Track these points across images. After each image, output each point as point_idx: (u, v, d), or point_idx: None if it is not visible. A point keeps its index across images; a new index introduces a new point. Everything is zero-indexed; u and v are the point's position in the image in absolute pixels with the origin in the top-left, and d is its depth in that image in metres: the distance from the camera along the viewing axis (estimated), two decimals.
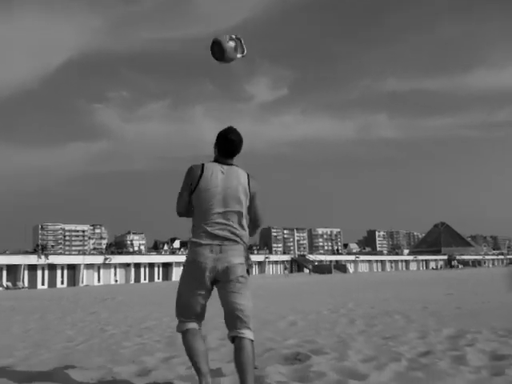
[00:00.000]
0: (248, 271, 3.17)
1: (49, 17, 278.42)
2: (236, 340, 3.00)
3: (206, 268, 3.04)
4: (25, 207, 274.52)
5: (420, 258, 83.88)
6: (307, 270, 58.14)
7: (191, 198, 3.15)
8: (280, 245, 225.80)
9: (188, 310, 3.14)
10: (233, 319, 3.04)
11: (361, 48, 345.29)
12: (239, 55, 3.47)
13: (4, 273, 39.90)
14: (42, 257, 41.88)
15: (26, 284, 39.52)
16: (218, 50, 3.43)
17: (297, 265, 63.68)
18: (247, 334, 3.00)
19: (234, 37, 3.46)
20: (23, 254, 45.33)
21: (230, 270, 3.05)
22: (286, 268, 49.42)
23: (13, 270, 40.12)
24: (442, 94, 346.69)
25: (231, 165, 3.21)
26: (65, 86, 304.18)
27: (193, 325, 3.14)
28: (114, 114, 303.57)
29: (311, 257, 70.96)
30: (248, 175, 3.21)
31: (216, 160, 3.22)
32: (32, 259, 41.31)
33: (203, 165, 3.17)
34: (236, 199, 3.10)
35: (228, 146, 3.21)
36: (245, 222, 3.16)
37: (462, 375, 3.59)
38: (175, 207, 3.24)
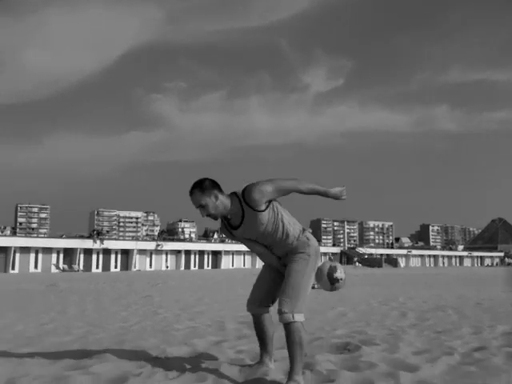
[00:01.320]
0: None
1: (111, 7, 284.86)
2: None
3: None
4: (83, 194, 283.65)
5: (475, 254, 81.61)
6: (357, 263, 57.64)
7: None
8: (330, 237, 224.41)
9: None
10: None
11: (423, 39, 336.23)
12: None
13: (61, 256, 41.41)
14: (98, 241, 43.18)
15: (82, 267, 40.89)
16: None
17: (346, 257, 63.23)
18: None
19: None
20: (79, 238, 46.88)
21: None
22: (331, 260, 49.24)
23: (69, 253, 41.58)
24: (506, 86, 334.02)
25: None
26: (125, 76, 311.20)
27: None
28: (172, 104, 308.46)
29: (361, 250, 70.21)
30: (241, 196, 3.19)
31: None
32: (88, 243, 42.67)
33: None
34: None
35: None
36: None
37: None
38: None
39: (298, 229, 3.31)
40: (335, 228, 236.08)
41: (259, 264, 49.86)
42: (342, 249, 72.34)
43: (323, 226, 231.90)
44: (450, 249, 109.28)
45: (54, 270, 39.73)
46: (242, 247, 55.00)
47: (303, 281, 3.20)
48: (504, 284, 11.59)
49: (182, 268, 46.47)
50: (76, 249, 41.61)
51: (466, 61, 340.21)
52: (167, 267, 46.36)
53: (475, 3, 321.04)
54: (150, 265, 45.91)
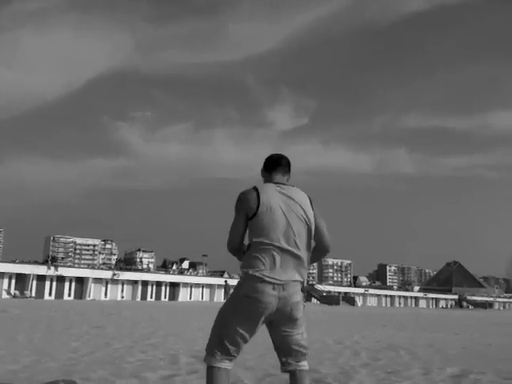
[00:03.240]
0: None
1: (82, 33, 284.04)
2: (296, 372, 2.89)
3: (267, 308, 2.74)
4: (39, 218, 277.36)
5: (430, 295, 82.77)
6: (315, 300, 57.67)
7: (249, 227, 2.85)
8: None
9: (231, 347, 2.79)
10: (293, 352, 2.91)
11: (385, 83, 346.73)
12: None
13: (13, 281, 40.11)
14: (52, 268, 42.09)
15: (34, 294, 39.67)
16: None
17: (306, 294, 63.30)
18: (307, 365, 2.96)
19: None
20: (33, 263, 45.53)
21: (294, 309, 2.81)
22: None
23: (21, 278, 40.30)
24: (461, 133, 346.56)
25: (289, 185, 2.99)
26: (91, 101, 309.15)
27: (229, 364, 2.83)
28: (137, 133, 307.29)
29: (320, 287, 70.43)
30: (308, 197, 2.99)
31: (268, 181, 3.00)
32: (41, 269, 41.50)
33: (257, 188, 2.89)
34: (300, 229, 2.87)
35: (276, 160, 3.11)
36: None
37: None
38: (226, 241, 2.89)
39: (246, 259, 2.84)
40: None
41: (217, 297, 49.38)
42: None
43: None
44: (406, 289, 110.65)
45: (5, 295, 38.42)
46: (201, 280, 54.42)
47: (216, 319, 2.92)
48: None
49: (139, 299, 45.57)
50: (29, 275, 40.38)
51: (425, 106, 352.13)
52: (123, 297, 45.40)
53: (438, 51, 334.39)
54: (106, 294, 44.87)
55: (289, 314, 2.80)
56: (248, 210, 2.79)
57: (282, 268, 2.76)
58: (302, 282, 2.86)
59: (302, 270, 2.83)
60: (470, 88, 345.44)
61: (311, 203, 2.94)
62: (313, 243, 2.94)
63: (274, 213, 2.78)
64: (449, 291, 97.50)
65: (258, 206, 2.77)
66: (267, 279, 2.72)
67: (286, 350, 2.88)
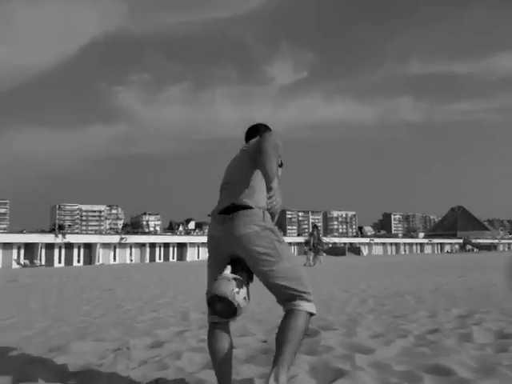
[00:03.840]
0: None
1: (73, 1, 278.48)
2: (286, 313, 2.64)
3: (218, 245, 2.72)
4: (43, 188, 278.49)
5: (435, 241, 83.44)
6: (322, 252, 58.38)
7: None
8: (295, 227, 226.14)
9: None
10: (282, 296, 2.66)
11: (385, 32, 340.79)
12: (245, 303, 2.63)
13: (22, 251, 40.57)
14: (59, 236, 42.48)
15: (43, 262, 40.18)
16: (226, 310, 2.63)
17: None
18: (304, 306, 2.62)
19: (233, 277, 2.63)
20: (40, 232, 45.94)
21: (247, 243, 2.60)
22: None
23: (30, 248, 40.73)
24: (466, 78, 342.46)
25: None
26: (86, 68, 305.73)
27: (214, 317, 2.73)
28: (135, 96, 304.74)
29: (325, 239, 71.08)
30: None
31: None
32: (49, 238, 41.90)
33: None
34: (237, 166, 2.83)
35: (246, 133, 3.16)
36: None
37: (467, 352, 3.67)
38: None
39: None
40: (300, 218, 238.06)
41: None
42: (306, 238, 73.15)
43: (288, 216, 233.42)
44: (411, 236, 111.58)
45: (15, 265, 38.92)
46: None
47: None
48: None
49: (147, 261, 46.13)
50: (37, 244, 40.79)
51: (427, 53, 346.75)
52: (132, 261, 45.96)
53: None
54: (114, 258, 45.40)
55: (245, 248, 2.62)
56: None
57: (221, 199, 2.79)
58: (252, 208, 2.63)
59: (239, 194, 2.68)
60: (469, 33, 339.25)
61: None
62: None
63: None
64: (454, 236, 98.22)
65: None
66: (213, 214, 2.76)
67: (271, 292, 2.68)
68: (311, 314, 2.64)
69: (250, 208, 2.64)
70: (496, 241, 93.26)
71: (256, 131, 3.08)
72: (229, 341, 2.71)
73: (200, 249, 51.45)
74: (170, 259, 49.01)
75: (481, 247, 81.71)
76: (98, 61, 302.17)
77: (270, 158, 2.57)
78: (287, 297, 2.63)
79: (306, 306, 2.61)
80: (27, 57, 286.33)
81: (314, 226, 25.52)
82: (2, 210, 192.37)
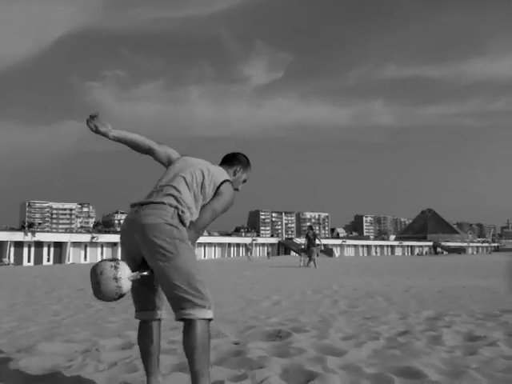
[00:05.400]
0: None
1: None
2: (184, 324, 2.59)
3: (125, 236, 2.73)
4: (13, 185, 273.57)
5: (405, 243, 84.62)
6: (294, 253, 58.53)
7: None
8: (268, 228, 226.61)
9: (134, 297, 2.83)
10: (173, 299, 2.60)
11: (360, 34, 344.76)
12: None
13: None
14: (29, 234, 41.73)
15: (12, 261, 39.43)
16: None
17: (284, 248, 64.12)
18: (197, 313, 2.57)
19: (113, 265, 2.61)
20: (9, 230, 45.07)
21: (147, 232, 2.59)
22: (248, 250, 48.80)
23: None
24: (438, 82, 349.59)
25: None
26: (60, 63, 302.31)
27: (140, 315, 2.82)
28: (109, 92, 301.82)
29: (298, 240, 71.36)
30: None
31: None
32: (18, 236, 41.13)
33: None
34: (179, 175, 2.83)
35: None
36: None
37: (437, 354, 3.71)
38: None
39: None
40: (273, 219, 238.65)
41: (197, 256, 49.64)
42: (279, 239, 73.20)
43: (262, 217, 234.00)
44: (383, 239, 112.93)
45: None
46: None
47: None
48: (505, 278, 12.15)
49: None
50: (6, 242, 40.02)
51: (402, 57, 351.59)
52: None
53: (411, 2, 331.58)
54: (85, 258, 44.86)
55: (144, 237, 2.60)
56: None
57: (147, 196, 2.80)
58: (175, 207, 2.64)
59: (166, 195, 2.71)
60: (443, 38, 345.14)
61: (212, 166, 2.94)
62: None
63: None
64: (424, 238, 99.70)
65: None
66: (131, 204, 2.79)
67: (165, 294, 2.67)
68: (209, 319, 2.58)
69: (163, 203, 2.65)
70: (465, 244, 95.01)
71: (231, 160, 3.11)
72: (152, 338, 2.77)
73: None
74: None
75: (450, 250, 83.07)
76: (72, 56, 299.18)
77: (211, 214, 2.75)
78: (178, 301, 2.56)
79: (198, 314, 2.55)
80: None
81: (310, 227, 25.31)
82: None
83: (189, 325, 2.53)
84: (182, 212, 2.64)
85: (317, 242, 22.92)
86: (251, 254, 49.87)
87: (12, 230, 46.42)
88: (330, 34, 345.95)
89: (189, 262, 2.61)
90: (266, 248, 58.27)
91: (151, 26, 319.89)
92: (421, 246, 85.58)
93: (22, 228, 45.57)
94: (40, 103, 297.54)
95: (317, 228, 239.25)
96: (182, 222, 2.64)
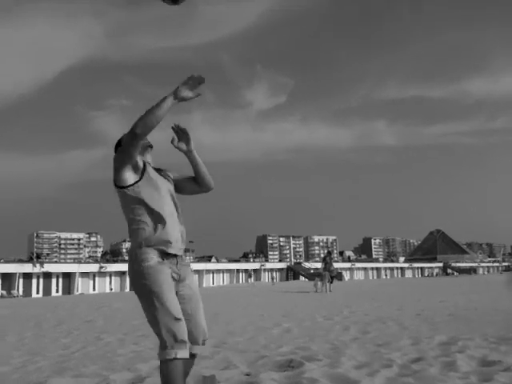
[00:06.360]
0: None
1: (51, 22, 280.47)
2: None
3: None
4: (21, 216, 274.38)
5: (415, 265, 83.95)
6: (303, 278, 58.10)
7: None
8: (276, 252, 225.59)
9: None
10: None
11: (360, 56, 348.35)
12: None
13: None
14: (37, 265, 41.75)
15: (21, 292, 39.37)
16: None
17: (293, 273, 63.68)
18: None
19: None
20: (18, 262, 45.14)
21: None
22: (250, 276, 48.32)
23: (7, 278, 39.97)
24: (440, 102, 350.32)
25: None
26: (64, 93, 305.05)
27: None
28: (114, 121, 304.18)
29: (307, 264, 70.89)
30: None
31: None
32: (27, 267, 41.15)
33: None
34: None
35: None
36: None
37: (452, 381, 3.66)
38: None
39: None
40: (281, 243, 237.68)
41: (206, 282, 49.38)
42: (288, 264, 72.76)
43: (269, 241, 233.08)
44: (392, 261, 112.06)
45: None
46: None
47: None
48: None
49: (127, 290, 45.52)
50: (15, 273, 40.04)
51: (402, 76, 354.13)
52: (111, 289, 45.30)
53: (410, 21, 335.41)
54: (94, 288, 44.73)
55: None
56: None
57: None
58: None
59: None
60: (443, 56, 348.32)
61: None
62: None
63: None
64: (433, 259, 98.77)
65: None
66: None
67: None
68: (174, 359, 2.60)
69: None
70: (475, 264, 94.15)
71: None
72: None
73: None
74: None
75: (461, 271, 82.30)
76: (76, 85, 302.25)
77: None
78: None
79: (161, 355, 2.64)
80: (3, 79, 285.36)
81: (328, 252, 25.16)
82: None
83: (160, 366, 2.68)
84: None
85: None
86: (255, 279, 49.57)
87: (20, 261, 46.49)
88: (329, 55, 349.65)
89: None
90: (275, 273, 57.89)
91: (153, 54, 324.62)
92: (431, 268, 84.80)
93: (30, 259, 45.55)
94: (45, 133, 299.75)
95: (325, 251, 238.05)
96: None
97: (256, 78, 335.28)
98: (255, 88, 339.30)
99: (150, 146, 3.01)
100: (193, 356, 2.78)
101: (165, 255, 2.75)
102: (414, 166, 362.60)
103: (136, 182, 2.79)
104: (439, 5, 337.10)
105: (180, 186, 3.03)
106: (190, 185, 3.05)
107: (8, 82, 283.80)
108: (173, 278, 2.76)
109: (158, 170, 2.99)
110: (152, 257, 2.71)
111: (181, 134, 2.98)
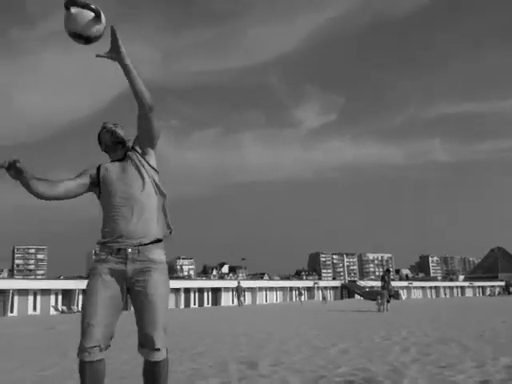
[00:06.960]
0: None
1: (106, 49, 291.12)
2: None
3: None
4: (80, 233, 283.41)
5: (476, 284, 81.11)
6: (358, 296, 57.17)
7: None
8: (329, 270, 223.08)
9: None
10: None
11: (408, 75, 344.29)
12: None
13: (60, 297, 41.05)
14: None
15: (80, 308, 40.52)
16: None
17: (347, 291, 62.77)
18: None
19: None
20: (77, 278, 46.58)
21: None
22: (300, 294, 47.70)
23: (68, 294, 41.22)
24: (491, 117, 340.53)
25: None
26: (117, 118, 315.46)
27: None
28: (163, 142, 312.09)
29: (362, 283, 69.75)
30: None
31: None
32: (86, 284, 42.42)
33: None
34: None
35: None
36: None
37: None
38: None
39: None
40: (334, 261, 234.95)
41: (259, 300, 49.29)
42: (342, 282, 71.81)
43: (322, 259, 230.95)
44: (451, 279, 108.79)
45: (52, 311, 39.32)
46: (242, 283, 54.65)
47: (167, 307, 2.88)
48: None
49: (182, 306, 46.02)
50: (74, 290, 41.27)
51: (450, 93, 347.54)
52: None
53: (454, 40, 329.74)
54: None
55: None
56: None
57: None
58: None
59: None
60: (486, 75, 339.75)
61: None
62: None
63: None
64: (495, 278, 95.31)
65: None
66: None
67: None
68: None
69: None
70: None
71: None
72: None
73: (234, 293, 51.20)
74: (205, 304, 48.80)
75: None
76: (126, 110, 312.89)
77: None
78: None
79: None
80: (58, 106, 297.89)
81: (387, 270, 24.76)
82: (40, 256, 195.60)
83: None
84: None
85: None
86: (304, 298, 49.04)
87: (80, 278, 47.91)
88: (375, 75, 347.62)
89: None
90: (329, 291, 57.23)
91: (204, 77, 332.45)
92: (492, 286, 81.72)
93: (89, 276, 46.88)
94: (98, 157, 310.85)
95: (380, 269, 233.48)
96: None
97: (305, 97, 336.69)
98: (304, 106, 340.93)
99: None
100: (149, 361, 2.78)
101: (115, 251, 2.75)
102: (470, 183, 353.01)
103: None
104: (488, 21, 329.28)
105: (138, 133, 3.07)
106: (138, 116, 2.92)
107: (65, 107, 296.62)
108: (118, 274, 2.75)
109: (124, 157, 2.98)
110: (97, 254, 2.77)
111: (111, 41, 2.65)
